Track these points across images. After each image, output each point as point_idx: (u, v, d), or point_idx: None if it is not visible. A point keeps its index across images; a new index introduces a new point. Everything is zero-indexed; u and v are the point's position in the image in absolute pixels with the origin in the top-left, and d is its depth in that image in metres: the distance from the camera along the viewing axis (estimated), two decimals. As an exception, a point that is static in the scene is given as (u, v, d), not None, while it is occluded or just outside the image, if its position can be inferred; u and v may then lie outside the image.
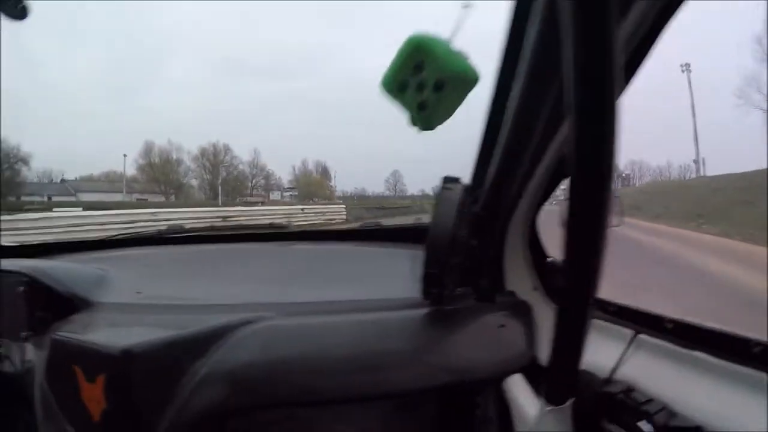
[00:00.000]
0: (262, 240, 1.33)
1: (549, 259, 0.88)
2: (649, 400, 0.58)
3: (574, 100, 0.41)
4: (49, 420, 0.84)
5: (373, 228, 1.28)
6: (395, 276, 0.96)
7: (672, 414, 0.56)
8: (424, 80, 0.46)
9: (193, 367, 0.76)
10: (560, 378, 0.59)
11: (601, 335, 0.72)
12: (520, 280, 0.90)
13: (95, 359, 0.79)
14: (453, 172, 0.77)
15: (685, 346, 0.61)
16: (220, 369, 0.76)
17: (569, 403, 0.60)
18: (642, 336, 0.67)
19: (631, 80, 0.60)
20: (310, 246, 1.22)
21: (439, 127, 0.60)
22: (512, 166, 0.75)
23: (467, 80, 0.50)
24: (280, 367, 0.76)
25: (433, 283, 0.74)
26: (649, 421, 0.56)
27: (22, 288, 0.98)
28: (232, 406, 0.75)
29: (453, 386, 0.82)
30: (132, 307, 0.93)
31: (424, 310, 0.82)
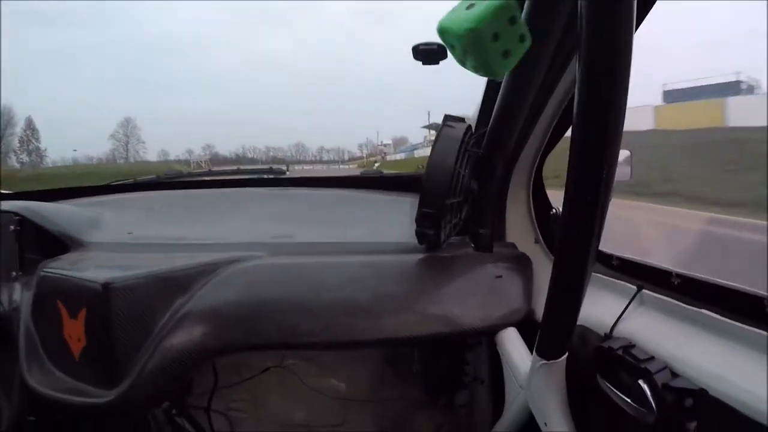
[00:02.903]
0: (261, 185, 1.29)
1: (553, 212, 0.84)
2: (650, 358, 0.53)
3: (587, 32, 0.38)
4: (32, 358, 0.83)
5: (373, 175, 1.25)
6: (393, 222, 0.93)
7: (674, 375, 0.51)
8: (514, 32, 0.48)
9: (175, 304, 0.74)
10: (555, 331, 0.56)
11: (602, 289, 0.69)
12: (521, 232, 0.87)
13: (78, 294, 0.77)
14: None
15: (693, 303, 0.56)
16: (201, 307, 0.74)
17: (563, 358, 0.57)
18: (646, 291, 0.63)
19: (645, 16, 0.57)
20: (309, 191, 1.19)
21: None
22: (516, 105, 0.71)
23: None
24: (266, 307, 0.74)
25: (429, 223, 0.71)
26: (649, 380, 0.50)
27: (12, 227, 0.96)
28: (212, 347, 0.73)
29: (445, 337, 0.79)
30: (122, 246, 0.91)
31: (419, 256, 0.79)
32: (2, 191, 1.33)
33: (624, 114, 0.39)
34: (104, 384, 0.75)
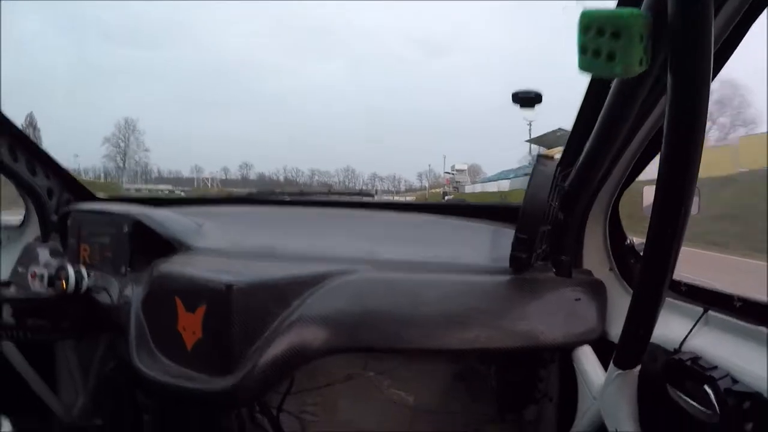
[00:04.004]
0: (350, 207, 1.37)
1: (627, 242, 0.92)
2: (714, 368, 0.62)
3: (673, 81, 0.45)
4: (141, 347, 0.91)
5: (458, 203, 1.33)
6: (480, 246, 1.01)
7: (734, 381, 0.60)
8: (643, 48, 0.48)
9: (288, 308, 0.83)
10: (631, 345, 0.63)
11: (671, 311, 0.77)
12: (597, 260, 0.95)
13: (198, 291, 0.85)
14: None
15: (752, 322, 0.65)
16: (312, 312, 0.82)
17: (637, 369, 0.65)
18: (711, 313, 0.72)
19: (722, 66, 0.64)
20: (398, 214, 1.27)
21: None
22: (604, 149, 0.80)
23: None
24: (371, 315, 0.82)
25: (523, 247, 0.80)
26: (712, 385, 0.60)
27: (127, 228, 1.06)
28: (320, 348, 0.81)
29: (529, 350, 0.87)
30: (229, 253, 1.00)
31: (507, 277, 0.87)
32: (100, 195, 1.45)
33: (700, 160, 0.47)
34: (216, 374, 0.82)
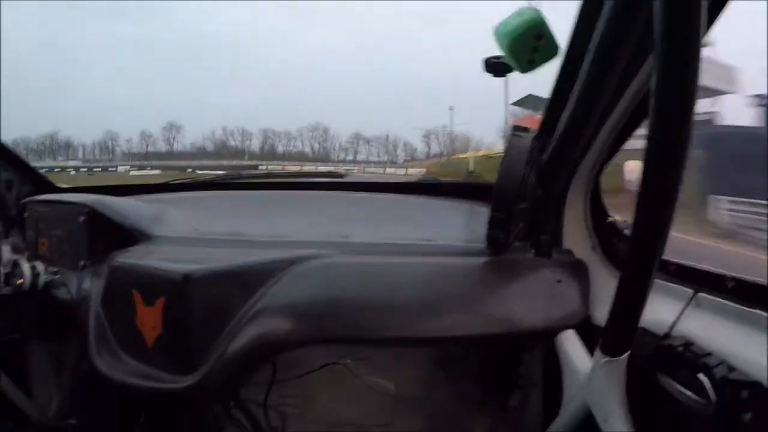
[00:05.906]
0: (318, 188, 1.31)
1: (609, 220, 0.87)
2: (708, 354, 0.58)
3: (662, 34, 0.40)
4: (102, 345, 0.87)
5: (431, 182, 1.28)
6: (455, 226, 0.96)
7: (730, 368, 0.55)
8: (540, 47, 0.58)
9: (252, 298, 0.78)
10: (618, 331, 0.59)
11: (659, 293, 0.71)
12: (579, 239, 0.89)
13: (156, 283, 0.82)
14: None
15: (745, 304, 0.60)
16: (278, 301, 0.78)
17: (625, 356, 0.60)
18: (702, 294, 0.67)
19: (717, 18, 0.58)
20: (370, 195, 1.22)
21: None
22: (584, 118, 0.74)
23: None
24: (342, 303, 0.78)
25: (499, 227, 0.74)
26: (708, 374, 0.55)
27: (83, 218, 1.00)
28: (288, 339, 0.76)
29: (509, 336, 0.82)
30: (190, 241, 0.95)
31: (484, 259, 0.82)
32: (61, 185, 1.39)
33: (692, 127, 0.42)
34: (178, 371, 0.79)
